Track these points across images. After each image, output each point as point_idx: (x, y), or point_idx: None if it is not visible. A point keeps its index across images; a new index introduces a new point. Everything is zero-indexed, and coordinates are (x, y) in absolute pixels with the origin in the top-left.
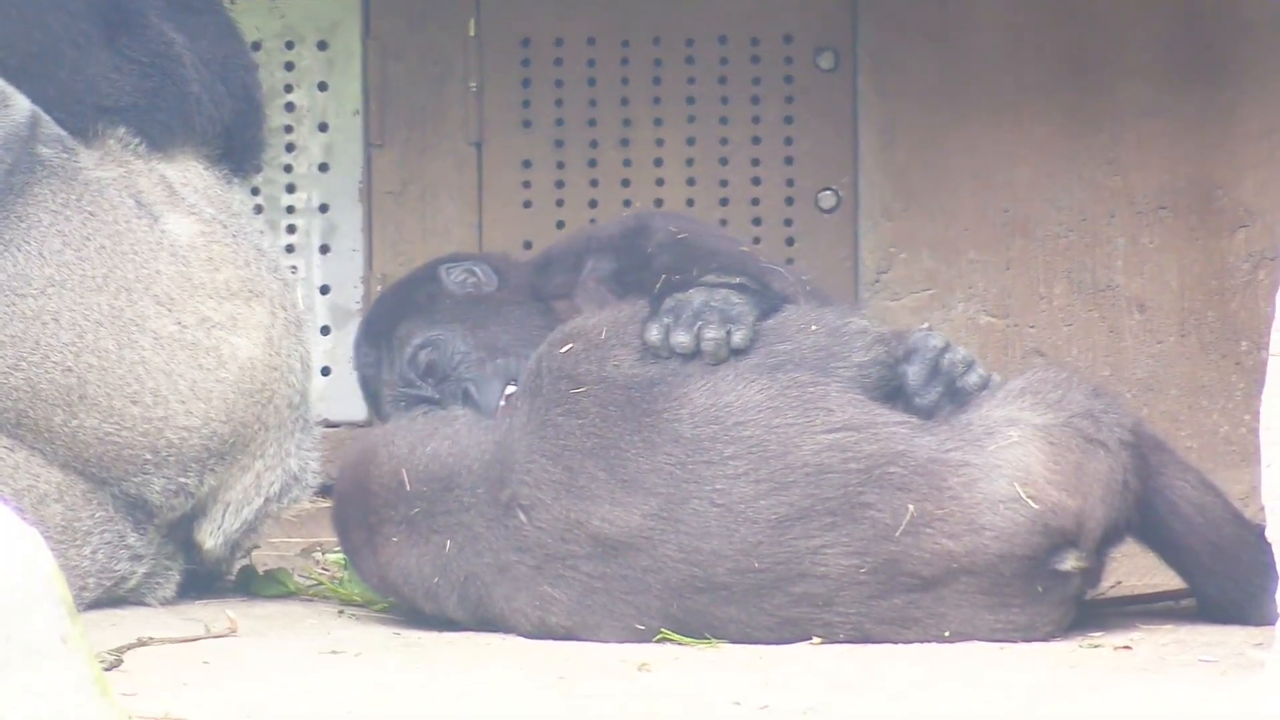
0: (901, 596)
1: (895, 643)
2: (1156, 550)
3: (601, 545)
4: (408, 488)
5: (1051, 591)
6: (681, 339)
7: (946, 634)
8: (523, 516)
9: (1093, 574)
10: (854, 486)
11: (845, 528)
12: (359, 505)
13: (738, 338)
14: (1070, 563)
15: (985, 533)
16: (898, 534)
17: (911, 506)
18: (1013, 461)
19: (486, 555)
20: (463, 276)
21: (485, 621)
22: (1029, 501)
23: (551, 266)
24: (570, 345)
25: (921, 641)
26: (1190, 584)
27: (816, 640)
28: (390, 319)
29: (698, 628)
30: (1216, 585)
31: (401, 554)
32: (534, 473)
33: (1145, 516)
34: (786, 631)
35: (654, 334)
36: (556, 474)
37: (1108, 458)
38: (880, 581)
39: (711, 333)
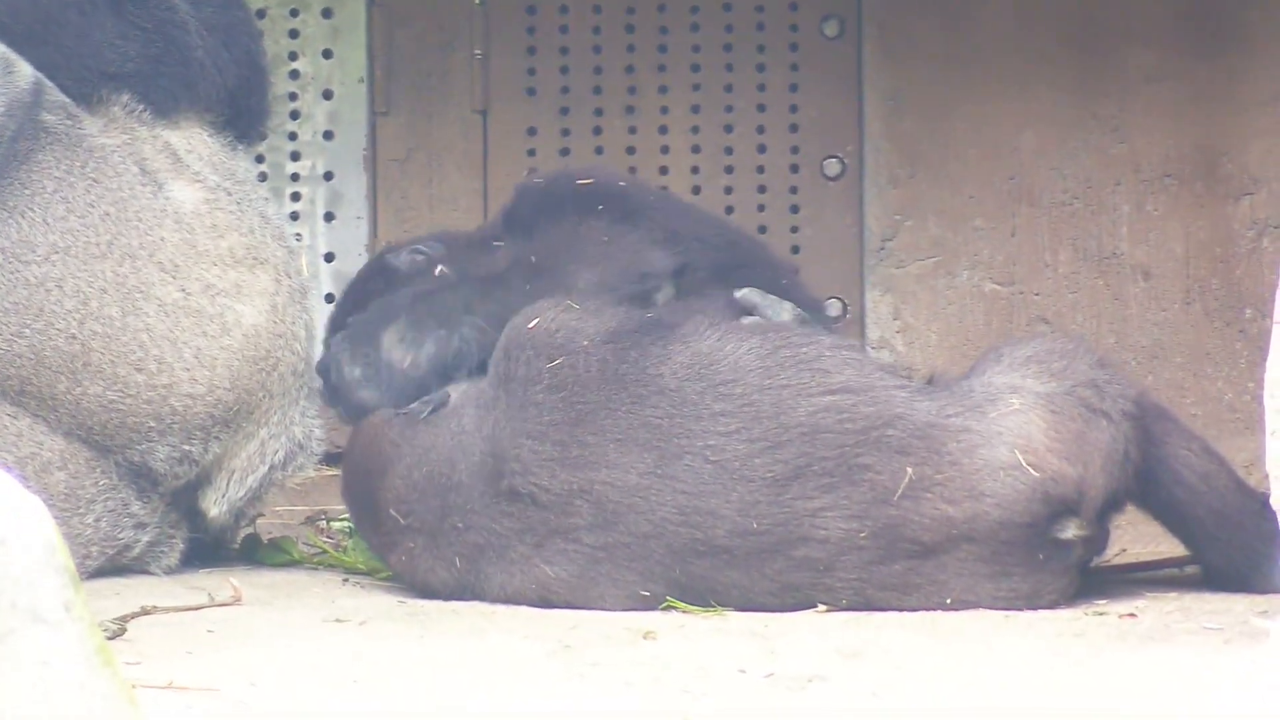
0: (902, 563)
1: (898, 610)
2: (1161, 518)
3: (603, 512)
4: (402, 523)
5: (1053, 560)
6: None
7: (948, 601)
8: (523, 503)
9: (1095, 542)
10: (850, 448)
11: (844, 489)
12: (370, 519)
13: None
14: (1071, 531)
15: (985, 499)
16: (896, 497)
17: (910, 469)
18: (1014, 428)
19: (490, 555)
20: (410, 259)
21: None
22: (1029, 469)
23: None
24: (537, 320)
25: (924, 609)
26: (1195, 552)
27: (821, 608)
28: (341, 316)
29: (702, 593)
30: (1221, 553)
31: (416, 567)
32: (523, 458)
33: (1149, 485)
34: (789, 597)
35: None
36: (547, 451)
37: (1110, 427)
38: (880, 547)
39: None
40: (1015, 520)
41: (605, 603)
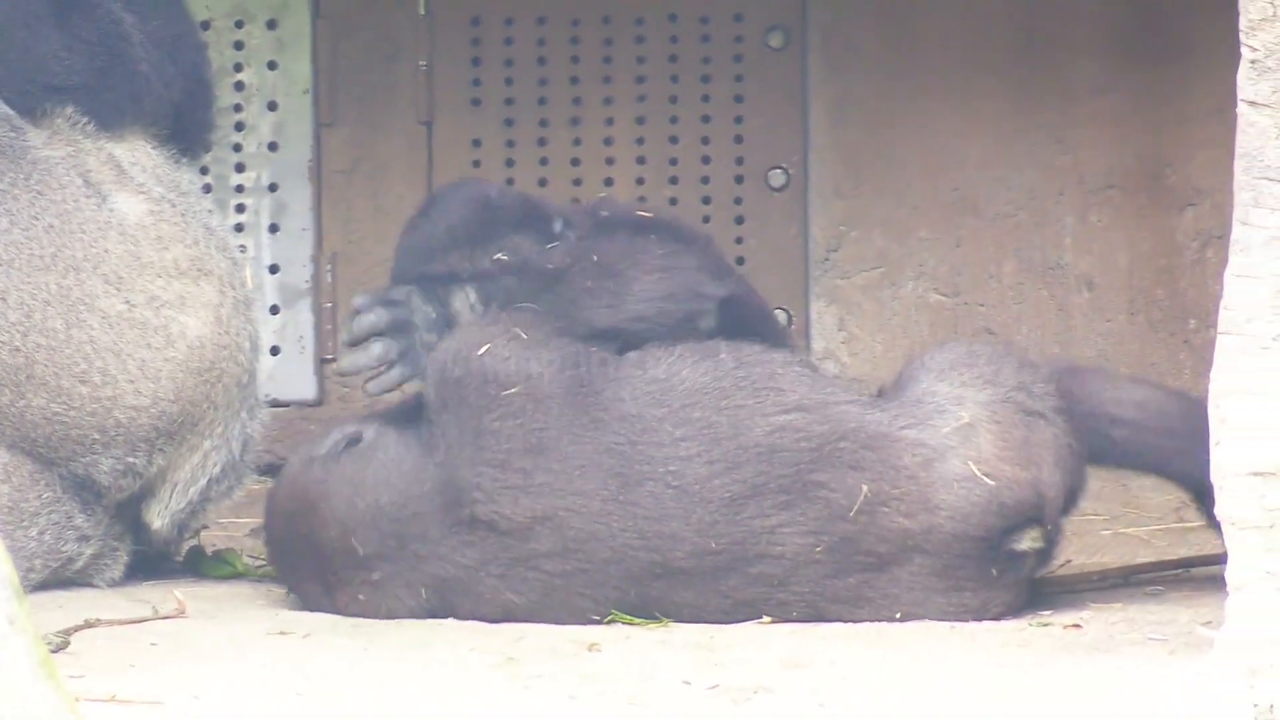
0: (856, 575)
1: (846, 622)
2: (1122, 466)
3: (565, 539)
4: (360, 553)
5: (1005, 574)
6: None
7: (898, 615)
8: (485, 531)
9: (1046, 553)
10: (806, 465)
11: (800, 506)
12: (311, 563)
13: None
14: (1027, 542)
15: (940, 512)
16: (852, 514)
17: (865, 486)
18: (965, 439)
19: (457, 586)
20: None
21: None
22: (984, 478)
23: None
24: (487, 347)
25: (873, 621)
26: (1164, 475)
27: (766, 620)
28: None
29: (652, 612)
30: (1185, 462)
31: (371, 609)
32: (485, 486)
33: (1095, 444)
34: (740, 613)
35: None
36: (511, 479)
37: (1048, 427)
38: (836, 560)
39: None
40: (970, 533)
41: (561, 619)
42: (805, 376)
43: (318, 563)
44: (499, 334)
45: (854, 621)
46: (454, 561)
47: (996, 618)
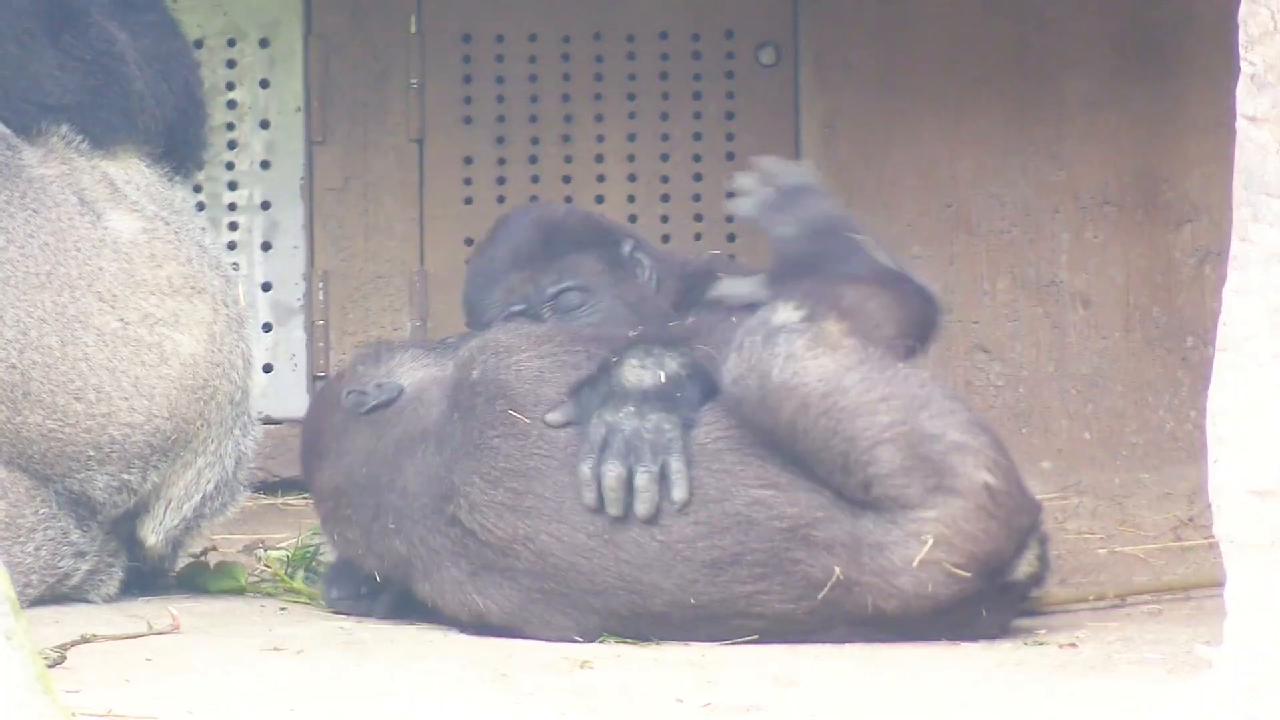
0: (842, 629)
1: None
2: None
3: (545, 562)
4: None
5: (997, 608)
6: (612, 473)
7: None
8: (461, 531)
9: (1038, 576)
10: (780, 543)
11: (778, 578)
12: (315, 505)
13: (676, 494)
14: (1024, 568)
15: (921, 599)
16: (820, 596)
17: (838, 569)
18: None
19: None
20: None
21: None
22: (958, 572)
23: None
24: (516, 360)
25: None
26: None
27: (757, 637)
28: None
29: (638, 638)
30: None
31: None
32: (472, 496)
33: None
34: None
35: (586, 472)
36: (500, 496)
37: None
38: (819, 621)
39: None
40: (956, 603)
41: (541, 633)
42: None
43: (316, 497)
44: (530, 348)
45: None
46: (425, 543)
47: (993, 636)
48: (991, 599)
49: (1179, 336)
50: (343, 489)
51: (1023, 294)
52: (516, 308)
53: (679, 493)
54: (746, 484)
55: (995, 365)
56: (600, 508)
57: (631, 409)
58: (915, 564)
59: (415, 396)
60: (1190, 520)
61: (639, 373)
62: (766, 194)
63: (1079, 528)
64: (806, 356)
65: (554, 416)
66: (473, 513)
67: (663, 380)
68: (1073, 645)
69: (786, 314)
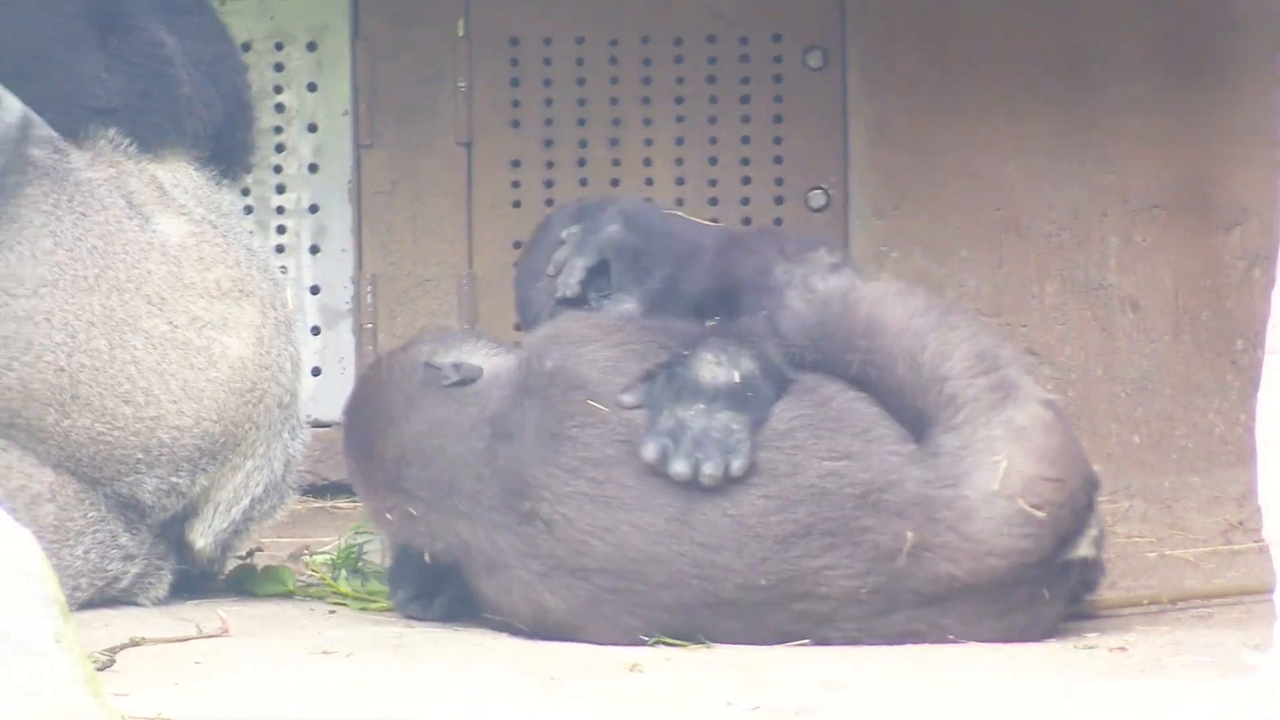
0: (904, 613)
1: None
2: None
3: (622, 552)
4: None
5: (1055, 587)
6: (680, 469)
7: (950, 637)
8: (541, 526)
9: (1095, 565)
10: (851, 511)
11: (846, 549)
12: (362, 476)
13: (736, 468)
14: (1084, 548)
15: (989, 558)
16: (899, 562)
17: (910, 533)
18: (1007, 473)
19: (482, 562)
20: None
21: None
22: (1035, 512)
23: None
24: (591, 348)
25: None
26: None
27: (808, 641)
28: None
29: (697, 636)
30: None
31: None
32: (554, 487)
33: None
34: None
35: (651, 453)
36: (581, 486)
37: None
38: (882, 600)
39: (710, 469)
40: (1026, 561)
41: (603, 634)
42: (858, 417)
43: (367, 480)
44: (601, 336)
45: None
46: (493, 542)
47: (1042, 636)
48: (1053, 578)
49: (1228, 339)
50: (408, 458)
51: (1072, 297)
52: (566, 293)
53: (737, 467)
54: (819, 457)
55: (1044, 368)
56: (663, 467)
57: (702, 406)
58: (996, 487)
59: (492, 381)
60: (1240, 524)
61: (714, 369)
62: None
63: (1129, 531)
64: (873, 280)
65: (629, 398)
66: (555, 505)
67: (736, 380)
68: (1122, 649)
69: (830, 257)
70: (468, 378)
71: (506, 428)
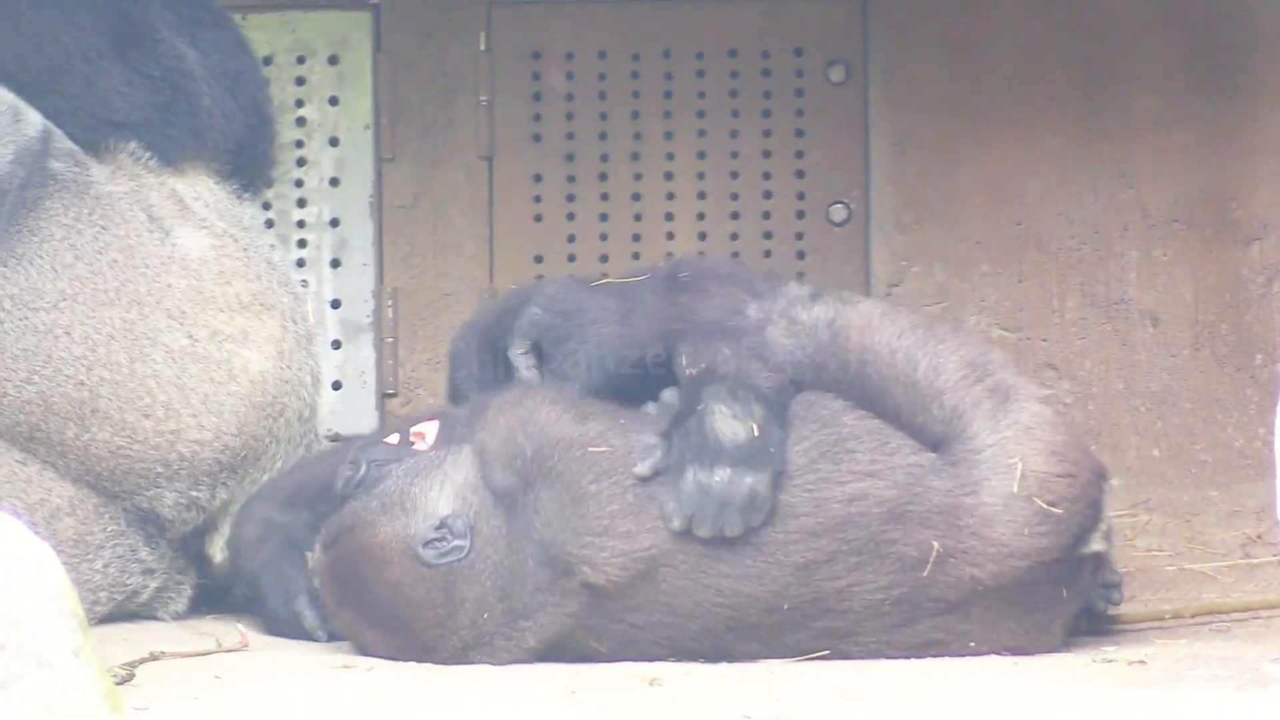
0: (926, 622)
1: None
2: None
3: (659, 593)
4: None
5: (1072, 587)
6: (706, 533)
7: (971, 645)
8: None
9: (1104, 560)
10: (877, 527)
11: (872, 566)
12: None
13: (758, 523)
14: (1096, 542)
15: (1011, 560)
16: (925, 572)
17: (936, 543)
18: (1022, 477)
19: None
20: None
21: None
22: (1052, 510)
23: None
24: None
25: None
26: None
27: (825, 652)
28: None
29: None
30: None
31: None
32: (593, 558)
33: None
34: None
35: (677, 525)
36: (616, 545)
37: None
38: (904, 612)
39: (733, 530)
40: (1045, 559)
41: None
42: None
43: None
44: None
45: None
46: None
47: (1063, 630)
48: (1069, 575)
49: (1247, 354)
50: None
51: (1092, 312)
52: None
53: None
54: (841, 481)
55: (1064, 383)
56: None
57: (727, 472)
58: (1015, 489)
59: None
60: (1259, 537)
61: (732, 424)
62: None
63: (1148, 545)
64: (853, 301)
65: (643, 469)
66: (598, 570)
67: (755, 434)
68: (1141, 662)
69: (801, 289)
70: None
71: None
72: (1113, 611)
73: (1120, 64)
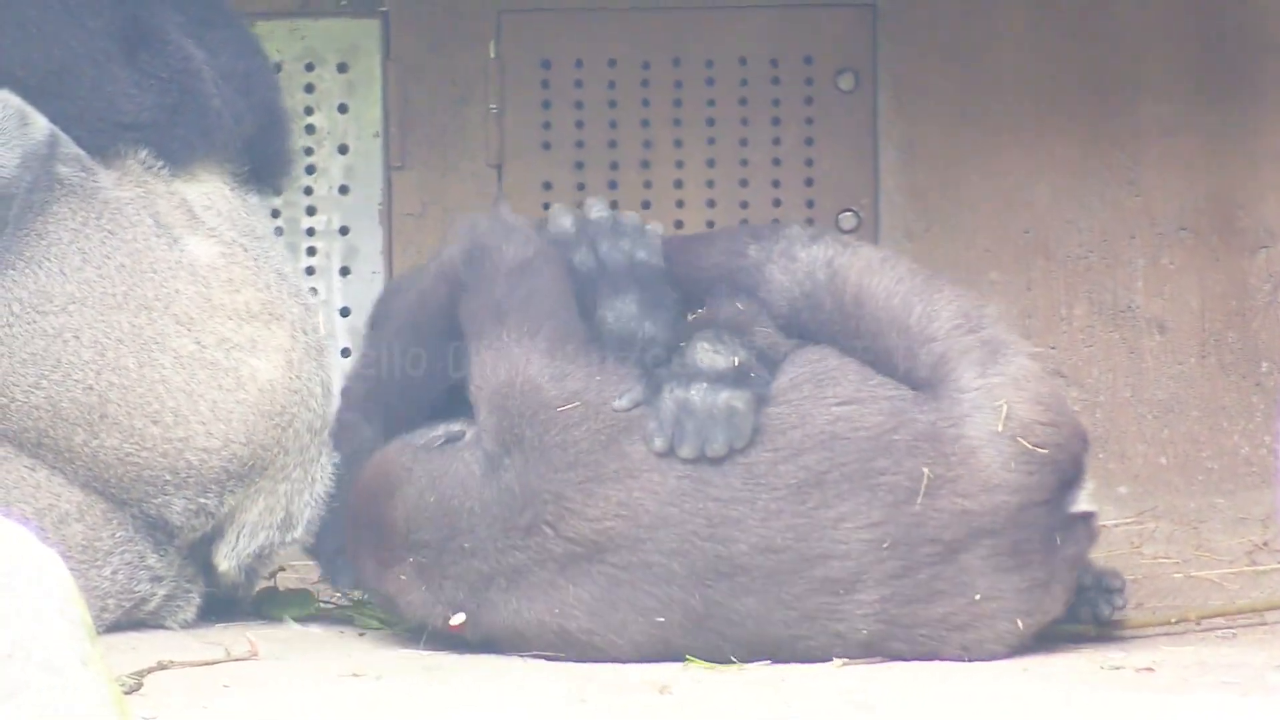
0: (926, 570)
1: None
2: None
3: (637, 524)
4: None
5: (1066, 540)
6: (688, 453)
7: (976, 597)
8: (548, 530)
9: (1091, 525)
10: (866, 450)
11: (863, 496)
12: (372, 538)
13: (740, 445)
14: (1085, 501)
15: (999, 492)
16: (919, 500)
17: (926, 469)
18: (1008, 416)
19: (496, 585)
20: None
21: (491, 640)
22: (1036, 450)
23: None
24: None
25: (949, 613)
26: None
27: (838, 661)
28: None
29: (717, 622)
30: None
31: (409, 590)
32: (555, 485)
33: None
34: (804, 627)
35: (659, 445)
36: (585, 473)
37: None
38: (901, 557)
39: (715, 450)
40: (1033, 499)
41: (625, 630)
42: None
43: (379, 539)
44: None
45: (931, 612)
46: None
47: (1064, 591)
48: (1062, 526)
49: (1254, 362)
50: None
51: (1099, 319)
52: None
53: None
54: (826, 403)
55: (1072, 390)
56: (670, 452)
57: (704, 385)
58: (1000, 428)
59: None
60: (1265, 544)
61: (712, 356)
62: None
63: (1155, 552)
64: (854, 246)
65: (622, 403)
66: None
67: (735, 364)
68: (1149, 669)
69: (803, 230)
70: (453, 438)
71: (498, 461)
72: (1119, 618)
73: (1129, 71)
